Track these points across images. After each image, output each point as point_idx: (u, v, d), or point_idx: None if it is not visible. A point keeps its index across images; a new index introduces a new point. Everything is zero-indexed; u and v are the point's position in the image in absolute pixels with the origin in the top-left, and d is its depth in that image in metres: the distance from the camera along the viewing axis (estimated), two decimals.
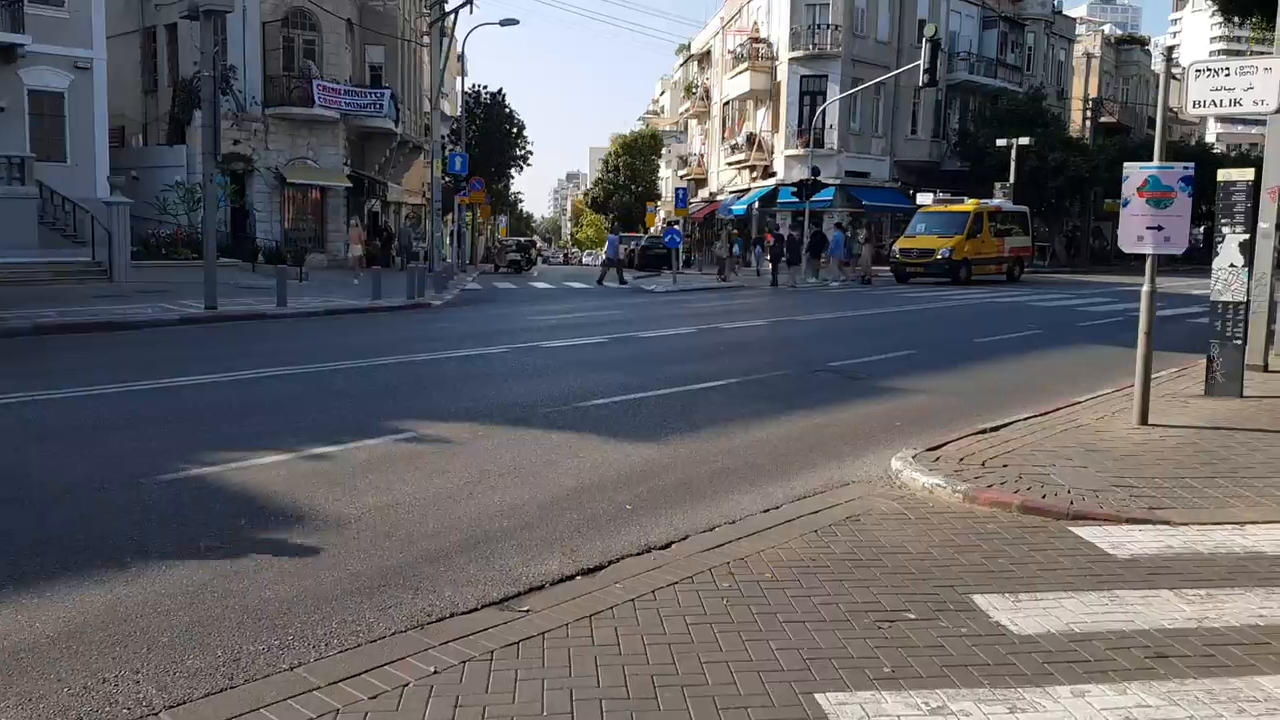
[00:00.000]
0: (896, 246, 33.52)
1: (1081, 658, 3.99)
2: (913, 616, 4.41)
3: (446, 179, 38.14)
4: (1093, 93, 59.00)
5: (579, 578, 4.99)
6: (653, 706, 3.57)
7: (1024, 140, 40.92)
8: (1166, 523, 5.78)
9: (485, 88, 54.47)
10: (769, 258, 32.44)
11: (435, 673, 3.83)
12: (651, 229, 49.68)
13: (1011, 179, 40.19)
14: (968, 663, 3.94)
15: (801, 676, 3.80)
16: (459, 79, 47.47)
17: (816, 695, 3.66)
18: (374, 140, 39.63)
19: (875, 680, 3.78)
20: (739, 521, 5.92)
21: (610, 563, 5.21)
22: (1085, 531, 5.63)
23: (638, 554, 5.35)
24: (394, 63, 41.41)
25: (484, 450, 7.55)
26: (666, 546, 5.48)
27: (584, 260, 72.16)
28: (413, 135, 44.56)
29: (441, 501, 6.24)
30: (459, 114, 46.49)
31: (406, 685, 3.72)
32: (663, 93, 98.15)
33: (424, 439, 7.89)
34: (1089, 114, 57.22)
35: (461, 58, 43.79)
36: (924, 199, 35.56)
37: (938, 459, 7.01)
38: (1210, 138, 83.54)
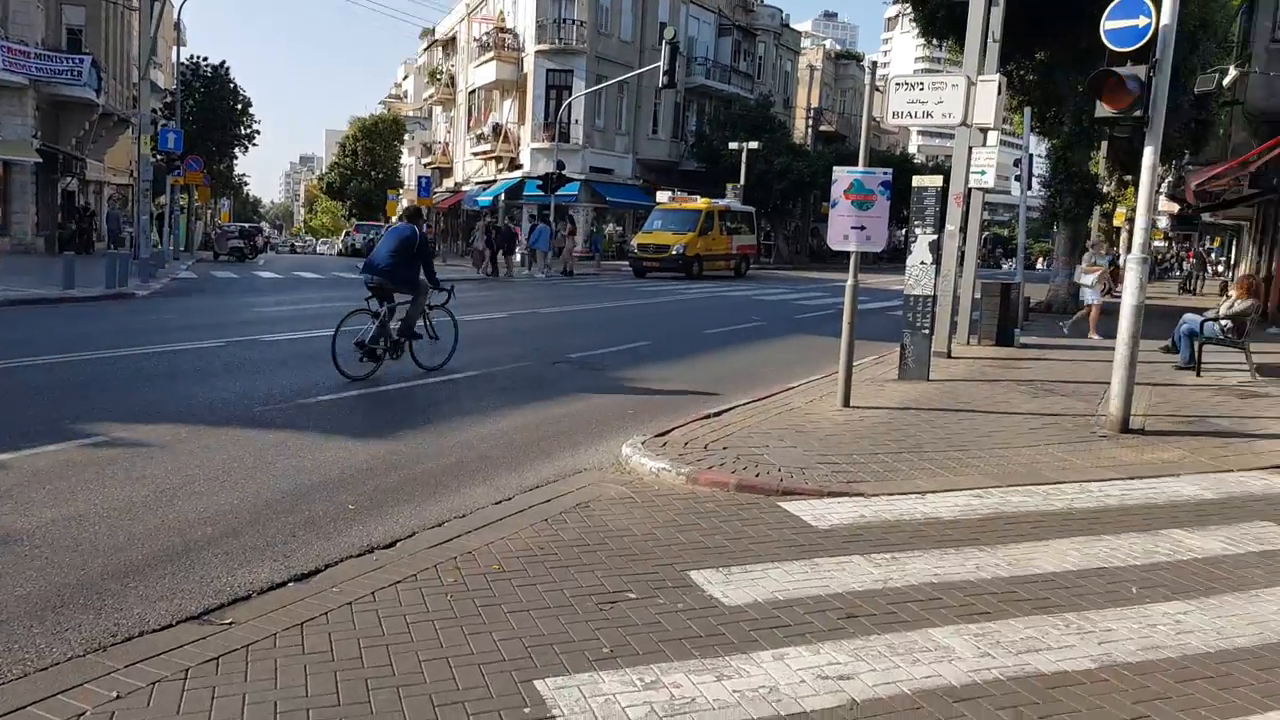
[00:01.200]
0: (635, 242, 34.54)
1: (783, 623, 4.28)
2: (634, 596, 4.54)
3: (158, 157, 34.96)
4: (814, 103, 63.63)
5: (291, 584, 4.72)
6: (364, 711, 3.44)
7: (753, 144, 43.45)
8: (861, 494, 6.33)
9: (205, 59, 50.41)
10: (485, 250, 32.46)
11: (118, 697, 3.48)
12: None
13: (742, 180, 42.56)
14: (682, 636, 4.11)
15: (522, 665, 3.81)
16: (175, 49, 43.69)
17: (536, 682, 3.67)
18: (71, 111, 35.61)
19: (594, 661, 3.86)
20: (469, 515, 5.84)
21: (328, 566, 4.97)
22: (793, 506, 6.05)
23: (359, 555, 5.15)
24: (97, 27, 37.44)
25: (189, 453, 6.98)
26: (391, 545, 5.32)
27: (319, 249, 68.30)
28: (118, 108, 40.49)
29: (135, 511, 5.69)
30: (175, 87, 42.78)
31: (83, 715, 3.36)
32: (406, 77, 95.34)
33: (119, 443, 7.17)
34: (811, 122, 61.66)
35: (178, 26, 40.35)
36: (663, 197, 36.90)
37: (665, 444, 7.28)
38: (912, 148, 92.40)
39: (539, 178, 37.42)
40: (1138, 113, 8.13)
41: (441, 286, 10.54)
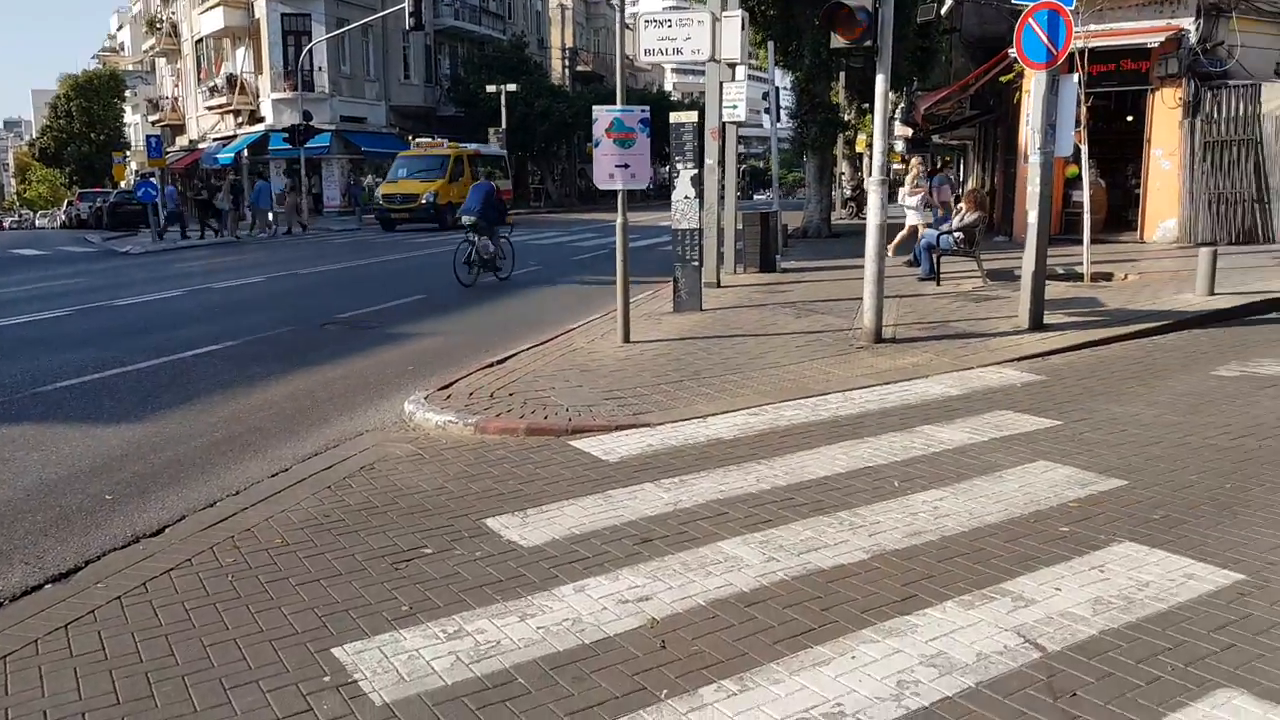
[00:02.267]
0: (380, 193, 32.33)
1: (582, 556, 4.36)
2: (430, 551, 4.47)
3: None
4: (569, 42, 63.36)
5: (49, 587, 4.30)
6: (148, 706, 3.21)
7: (512, 87, 42.78)
8: (648, 425, 6.50)
9: None
10: (233, 210, 30.51)
11: None
12: (122, 182, 43.82)
13: (504, 124, 41.90)
14: (483, 583, 4.10)
15: (317, 635, 3.67)
16: None
17: (334, 650, 3.55)
18: None
19: (393, 621, 3.78)
20: (244, 491, 5.53)
21: (88, 563, 4.56)
22: (582, 443, 6.13)
23: (124, 546, 4.76)
24: None
25: None
26: (159, 532, 4.95)
27: (37, 223, 61.04)
28: None
29: None
30: None
31: None
32: (121, 27, 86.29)
33: None
34: (567, 63, 61.44)
35: None
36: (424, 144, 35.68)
37: (449, 396, 7.16)
38: (669, 86, 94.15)
39: (284, 130, 35.19)
40: (868, 42, 8.65)
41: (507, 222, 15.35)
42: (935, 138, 27.72)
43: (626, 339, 9.27)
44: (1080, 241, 12.64)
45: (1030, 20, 9.08)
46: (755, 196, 59.39)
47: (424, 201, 30.50)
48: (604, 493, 5.22)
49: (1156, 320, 9.58)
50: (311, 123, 34.65)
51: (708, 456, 5.87)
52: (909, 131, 32.11)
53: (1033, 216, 9.33)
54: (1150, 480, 5.29)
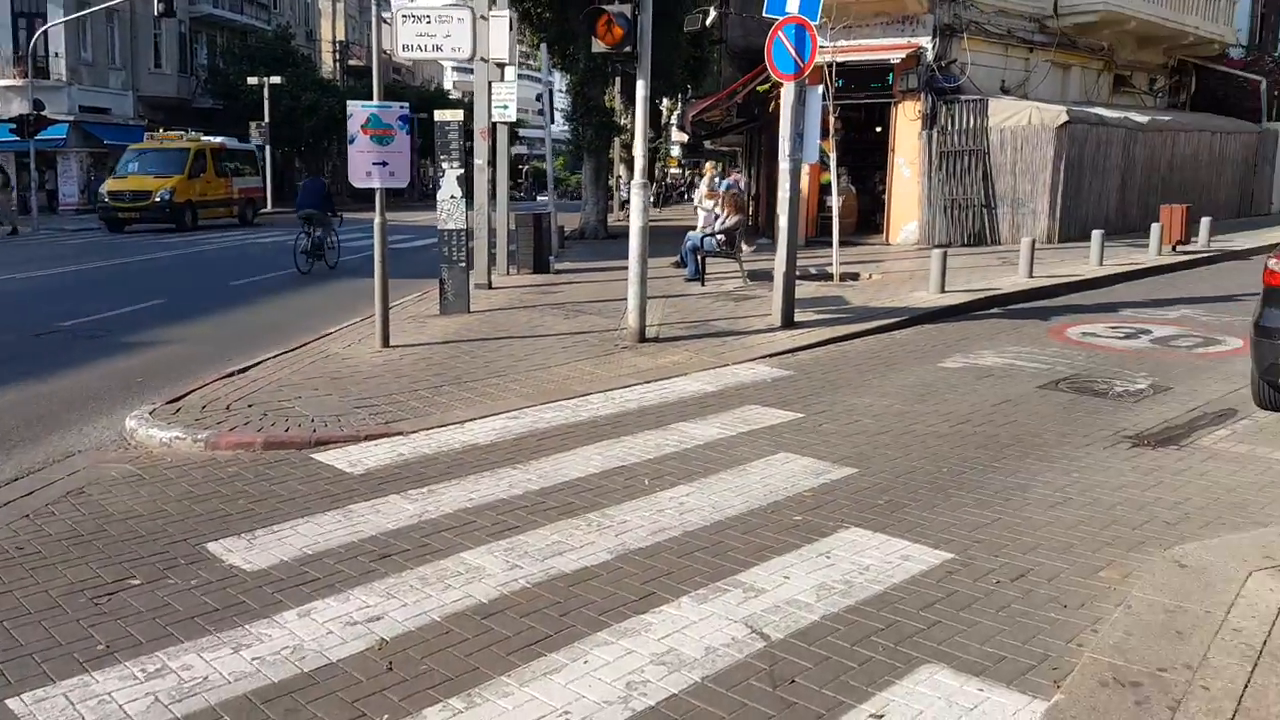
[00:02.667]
0: (105, 189, 28.47)
1: (311, 578, 4.10)
2: (138, 582, 4.07)
3: None
4: (340, 36, 60.87)
5: None
6: None
7: (276, 79, 40.52)
8: (400, 433, 6.26)
9: None
10: None
11: None
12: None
13: (267, 118, 39.64)
14: (196, 614, 3.77)
15: None
16: None
17: (8, 701, 3.14)
18: None
19: (86, 662, 3.40)
20: None
21: None
22: (326, 456, 5.81)
23: None
24: None
25: None
26: None
27: None
28: None
29: None
30: None
31: None
32: None
33: None
34: (338, 56, 58.99)
35: None
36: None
37: (178, 410, 6.60)
38: (448, 84, 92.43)
39: (11, 120, 31.66)
40: (628, 48, 8.76)
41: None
42: (707, 143, 28.70)
43: (386, 343, 8.93)
44: (833, 244, 13.42)
45: (779, 34, 9.51)
46: (539, 198, 59.40)
47: (158, 199, 27.16)
48: (344, 508, 4.95)
49: (894, 317, 10.30)
50: (44, 113, 31.32)
51: (461, 464, 5.71)
52: (684, 137, 33.12)
53: (783, 220, 9.78)
54: (878, 468, 5.62)
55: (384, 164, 8.84)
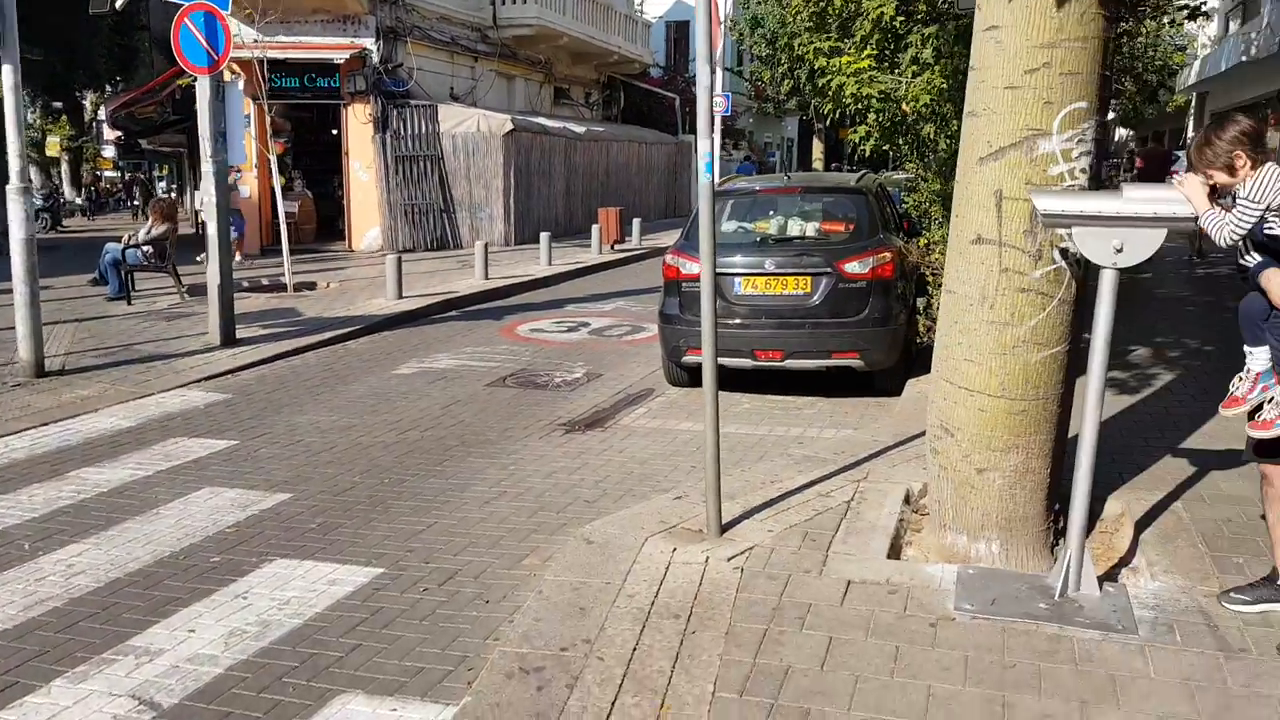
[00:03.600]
0: None
1: None
2: None
3: None
4: None
5: None
6: None
7: None
8: None
9: None
10: None
11: None
12: None
13: None
14: None
15: None
16: None
17: None
18: None
19: None
20: None
21: None
22: None
23: None
24: None
25: None
26: None
27: None
28: None
29: None
30: None
31: None
32: None
33: None
34: None
35: None
36: None
37: None
38: None
39: None
40: None
41: None
42: (143, 143, 25.68)
43: None
44: (295, 252, 12.67)
45: (186, 21, 8.61)
46: None
47: None
48: None
49: (350, 326, 9.97)
50: None
51: None
52: (118, 134, 29.33)
53: (212, 228, 8.92)
54: (316, 489, 5.27)
55: None
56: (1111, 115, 32.35)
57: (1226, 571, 3.58)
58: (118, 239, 11.98)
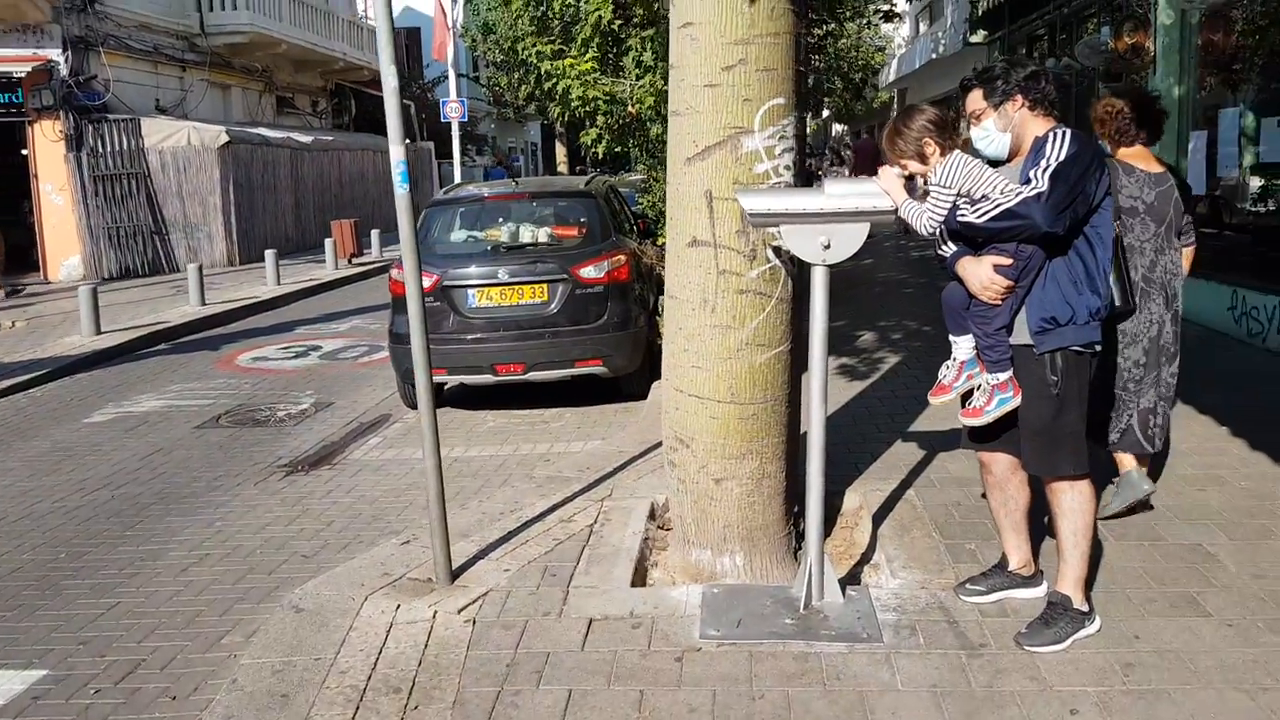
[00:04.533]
0: None
1: None
2: None
3: None
4: None
5: None
6: None
7: None
8: None
9: None
10: None
11: None
12: None
13: None
14: None
15: None
16: None
17: None
18: None
19: None
20: None
21: None
22: None
23: None
24: None
25: None
26: None
27: None
28: None
29: None
30: None
31: None
32: None
33: None
34: None
35: None
36: None
37: None
38: None
39: None
40: None
41: None
42: None
43: None
44: None
45: None
46: None
47: None
48: None
49: (36, 370, 8.66)
50: None
51: None
52: None
53: None
54: None
55: None
56: (826, 113, 34.61)
57: (961, 560, 3.60)
58: None
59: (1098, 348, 2.97)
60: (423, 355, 3.49)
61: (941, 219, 2.92)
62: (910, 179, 3.02)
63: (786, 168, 3.39)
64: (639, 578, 3.69)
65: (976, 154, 3.12)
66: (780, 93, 3.33)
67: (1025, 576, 3.30)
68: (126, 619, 3.88)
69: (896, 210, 2.99)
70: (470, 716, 2.79)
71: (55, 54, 15.37)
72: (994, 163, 3.06)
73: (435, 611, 3.39)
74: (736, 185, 3.32)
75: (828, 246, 3.04)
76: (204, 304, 11.79)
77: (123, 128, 15.92)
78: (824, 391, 3.17)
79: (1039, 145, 2.90)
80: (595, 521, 4.14)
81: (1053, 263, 2.90)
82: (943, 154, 2.97)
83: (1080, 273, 2.89)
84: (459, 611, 3.38)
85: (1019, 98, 2.97)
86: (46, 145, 15.64)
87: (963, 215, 2.87)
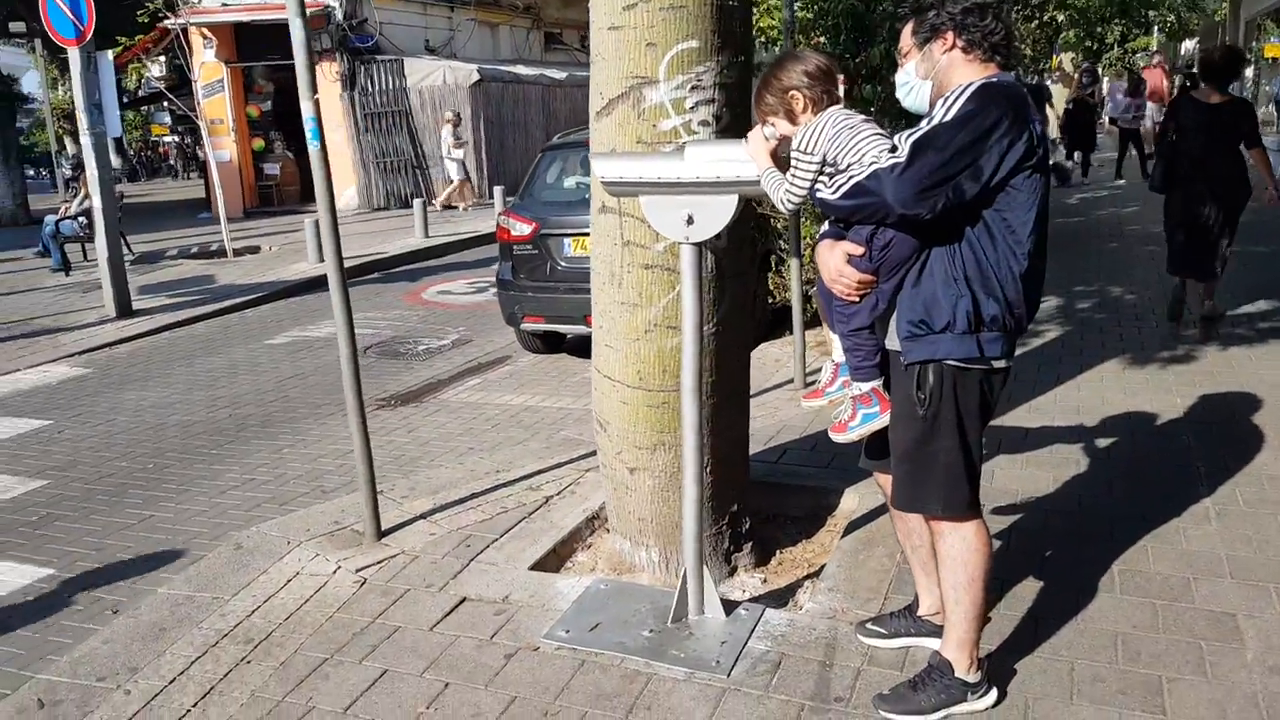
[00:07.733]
0: None
1: None
2: None
3: None
4: None
5: None
6: None
7: None
8: None
9: None
10: None
11: None
12: None
13: None
14: None
15: None
16: None
17: None
18: None
19: None
20: None
21: None
22: None
23: None
24: None
25: None
26: None
27: None
28: None
29: None
30: None
31: None
32: None
33: None
34: None
35: None
36: None
37: None
38: None
39: None
40: None
41: None
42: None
43: None
44: (276, 214, 12.47)
45: None
46: None
47: None
48: None
49: (257, 293, 9.76)
50: None
51: None
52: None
53: (97, 200, 8.73)
54: (77, 476, 5.09)
55: None
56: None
57: (904, 592, 3.09)
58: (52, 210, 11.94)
59: (995, 365, 2.36)
60: (345, 324, 3.50)
61: (804, 193, 2.42)
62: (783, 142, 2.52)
63: (703, 123, 2.98)
64: (556, 560, 3.53)
65: (896, 104, 2.55)
66: (693, 34, 2.91)
67: (937, 625, 2.74)
68: (144, 532, 4.31)
69: (759, 180, 2.52)
70: (285, 680, 2.82)
71: (332, 0, 16.87)
72: (918, 119, 2.46)
73: (338, 568, 3.45)
74: (640, 144, 2.98)
75: (690, 222, 2.64)
76: (427, 236, 12.64)
77: (389, 68, 17.24)
78: (697, 390, 2.79)
79: (942, 102, 2.30)
80: (559, 493, 4.00)
81: (933, 253, 2.32)
82: (814, 112, 2.45)
83: (964, 269, 2.28)
84: (358, 571, 3.42)
85: (949, 34, 2.34)
86: (325, 85, 17.24)
87: (819, 190, 2.36)
